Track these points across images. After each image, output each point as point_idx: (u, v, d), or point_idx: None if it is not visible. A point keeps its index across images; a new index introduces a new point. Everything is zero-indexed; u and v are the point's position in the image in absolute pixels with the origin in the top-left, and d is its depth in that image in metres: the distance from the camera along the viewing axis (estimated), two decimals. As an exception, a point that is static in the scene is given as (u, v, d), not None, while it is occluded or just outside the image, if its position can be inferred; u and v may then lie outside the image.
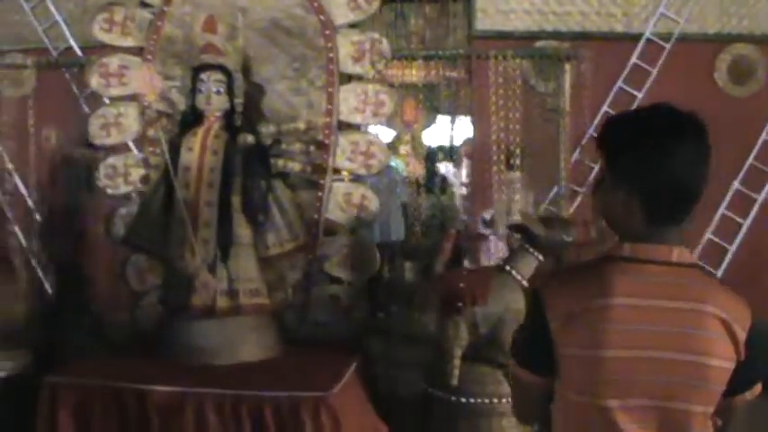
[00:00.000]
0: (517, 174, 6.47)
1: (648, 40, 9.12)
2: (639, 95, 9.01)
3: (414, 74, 11.09)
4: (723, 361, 2.15)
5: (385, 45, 5.38)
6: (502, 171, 6.47)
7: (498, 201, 8.24)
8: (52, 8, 10.07)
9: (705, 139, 2.21)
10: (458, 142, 10.56)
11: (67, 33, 9.84)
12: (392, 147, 10.21)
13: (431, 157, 11.20)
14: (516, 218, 6.19)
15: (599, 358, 2.13)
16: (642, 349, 2.13)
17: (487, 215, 8.76)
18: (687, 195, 2.20)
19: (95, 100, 8.08)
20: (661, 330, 2.13)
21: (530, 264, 4.76)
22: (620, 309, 2.13)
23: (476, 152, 8.78)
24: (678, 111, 2.22)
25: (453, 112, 10.94)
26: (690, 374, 2.13)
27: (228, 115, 5.12)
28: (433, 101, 11.75)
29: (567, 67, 6.29)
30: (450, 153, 10.64)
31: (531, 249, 4.76)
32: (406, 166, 10.40)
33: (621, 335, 2.12)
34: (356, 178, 5.46)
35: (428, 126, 12.03)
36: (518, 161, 6.34)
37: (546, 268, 4.71)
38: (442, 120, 11.85)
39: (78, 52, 9.52)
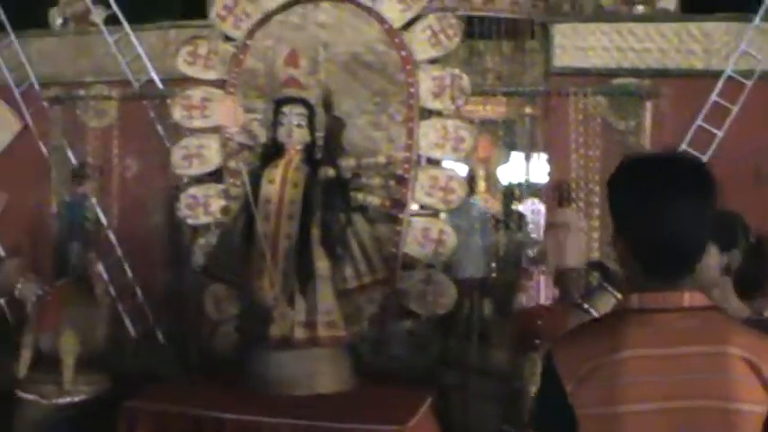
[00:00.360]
0: (594, 213, 6.46)
1: (729, 77, 9.05)
2: (719, 134, 8.93)
3: (489, 110, 11.16)
4: (753, 405, 2.00)
5: (465, 81, 5.43)
6: (576, 207, 6.45)
7: (546, 238, 8.24)
8: (135, 42, 10.37)
9: (706, 194, 2.10)
10: (533, 179, 10.55)
11: (149, 66, 10.11)
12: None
13: (508, 194, 11.18)
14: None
15: (617, 415, 2.02)
16: (662, 401, 2.02)
17: (532, 251, 8.78)
18: (679, 250, 2.10)
19: (175, 131, 8.30)
20: (681, 379, 2.01)
21: (607, 302, 4.74)
22: (634, 361, 2.02)
23: (552, 189, 8.78)
24: (682, 160, 2.14)
25: (529, 149, 10.95)
26: (718, 422, 2.01)
27: (309, 148, 5.21)
28: (508, 137, 11.78)
29: (648, 104, 6.28)
30: (528, 190, 10.63)
31: (609, 287, 4.75)
32: (484, 202, 10.41)
33: (638, 388, 2.01)
34: (435, 213, 5.52)
35: (503, 163, 12.03)
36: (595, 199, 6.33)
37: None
38: (517, 156, 11.84)
39: (159, 84, 9.78)
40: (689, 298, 2.09)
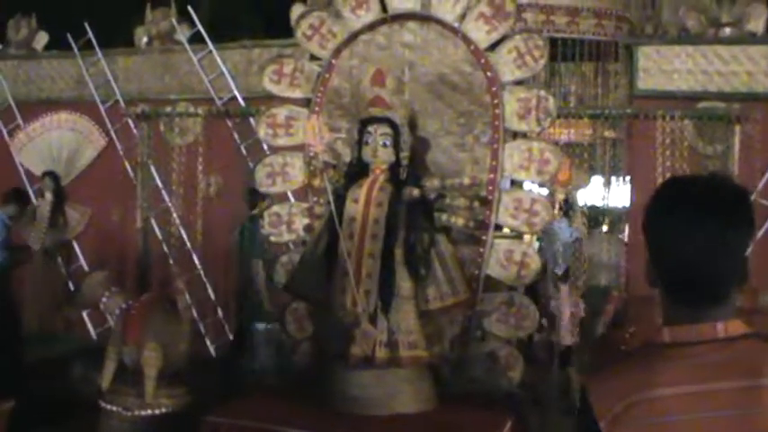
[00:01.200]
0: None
1: (820, 101, 8.86)
2: (809, 160, 8.74)
3: (570, 132, 11.10)
4: None
5: (551, 103, 5.40)
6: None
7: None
8: (218, 60, 10.55)
9: (738, 222, 2.01)
10: (615, 203, 10.45)
11: (232, 84, 10.28)
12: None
13: (592, 218, 11.07)
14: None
15: None
16: None
17: (559, 270, 8.73)
18: (706, 280, 2.00)
19: (256, 148, 8.42)
20: (718, 416, 1.92)
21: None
22: (668, 400, 1.94)
23: (635, 215, 8.68)
24: (717, 185, 2.04)
25: (609, 173, 10.85)
26: None
27: (394, 168, 5.23)
28: (590, 161, 11.68)
29: (737, 129, 6.17)
30: (604, 215, 10.52)
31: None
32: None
33: (674, 427, 1.93)
34: (519, 235, 5.50)
35: (583, 187, 11.91)
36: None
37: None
38: (598, 180, 11.74)
39: (241, 102, 9.92)
40: (723, 328, 2.00)
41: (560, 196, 10.89)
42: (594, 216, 10.82)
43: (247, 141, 9.35)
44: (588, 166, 11.93)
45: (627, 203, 9.97)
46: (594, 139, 11.30)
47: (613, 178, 11.24)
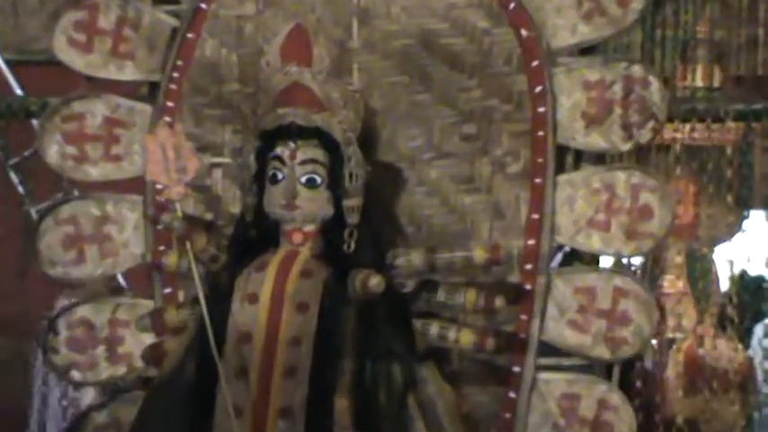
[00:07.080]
0: None
1: None
2: None
3: (693, 129, 11.25)
4: None
5: (654, 89, 5.53)
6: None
7: None
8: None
9: None
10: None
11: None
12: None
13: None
14: None
15: None
16: None
17: None
18: None
19: (43, 180, 8.47)
20: None
21: None
22: None
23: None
24: None
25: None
26: None
27: (330, 230, 5.35)
28: (733, 185, 11.86)
29: None
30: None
31: None
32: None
33: None
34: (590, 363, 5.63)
35: (727, 238, 12.07)
36: None
37: None
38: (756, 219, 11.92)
39: (12, 83, 9.97)
40: None
41: (678, 258, 11.11)
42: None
43: (19, 158, 9.36)
44: (734, 194, 12.10)
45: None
46: (745, 140, 11.41)
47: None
